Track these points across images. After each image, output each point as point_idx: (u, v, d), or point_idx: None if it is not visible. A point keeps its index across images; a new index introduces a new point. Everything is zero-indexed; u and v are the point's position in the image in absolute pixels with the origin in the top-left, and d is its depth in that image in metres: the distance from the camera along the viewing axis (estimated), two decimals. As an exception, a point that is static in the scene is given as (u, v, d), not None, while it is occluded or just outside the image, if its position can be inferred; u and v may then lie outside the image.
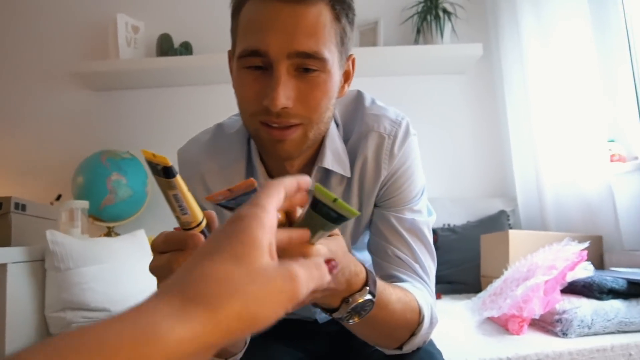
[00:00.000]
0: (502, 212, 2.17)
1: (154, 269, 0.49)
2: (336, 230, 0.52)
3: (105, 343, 0.24)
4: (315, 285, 0.35)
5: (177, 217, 0.49)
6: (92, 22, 2.46)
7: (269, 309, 0.30)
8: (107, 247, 1.59)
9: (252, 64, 0.67)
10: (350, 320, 0.59)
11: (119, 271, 1.55)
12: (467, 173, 2.44)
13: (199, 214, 0.50)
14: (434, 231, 1.46)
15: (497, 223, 2.12)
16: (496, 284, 1.48)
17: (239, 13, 0.70)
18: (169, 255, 0.48)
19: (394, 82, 2.46)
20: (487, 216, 2.17)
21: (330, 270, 0.39)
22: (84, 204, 1.90)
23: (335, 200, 0.42)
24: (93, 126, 2.43)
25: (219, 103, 2.44)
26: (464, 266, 1.96)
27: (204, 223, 0.51)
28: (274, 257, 0.33)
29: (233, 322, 0.28)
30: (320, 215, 0.44)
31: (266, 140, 0.70)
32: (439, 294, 1.85)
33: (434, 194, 2.30)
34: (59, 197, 2.09)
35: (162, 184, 0.47)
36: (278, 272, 0.31)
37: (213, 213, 0.53)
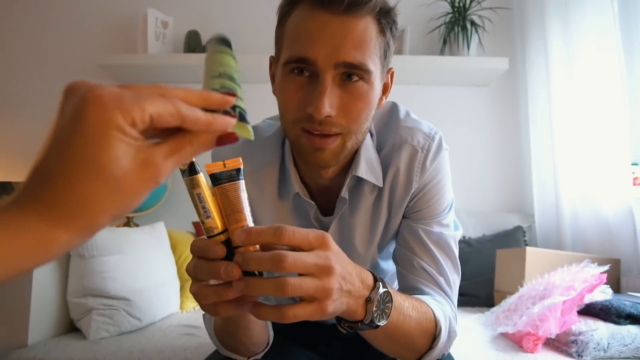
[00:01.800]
0: (518, 228, 2.17)
1: (187, 270, 0.52)
2: (333, 246, 0.53)
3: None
4: (184, 155, 0.36)
5: (202, 222, 0.50)
6: (122, 16, 2.50)
7: (135, 199, 0.33)
8: (128, 238, 1.61)
9: (298, 68, 0.68)
10: (382, 322, 0.59)
11: (138, 262, 1.57)
12: (485, 186, 2.44)
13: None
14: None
15: (513, 238, 2.11)
16: (511, 300, 1.48)
17: (286, 21, 0.72)
18: (195, 261, 0.51)
19: (417, 91, 2.46)
20: (503, 231, 2.17)
21: (223, 142, 0.39)
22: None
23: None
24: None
25: (249, 101, 2.48)
26: (477, 279, 1.95)
27: (228, 233, 0.51)
28: (131, 136, 0.32)
29: (109, 221, 0.32)
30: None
31: (306, 147, 0.72)
32: (451, 305, 1.84)
33: (451, 206, 2.30)
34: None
35: (187, 183, 0.48)
36: (134, 165, 0.32)
37: None
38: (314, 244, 0.50)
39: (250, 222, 0.50)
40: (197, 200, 0.49)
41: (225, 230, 0.51)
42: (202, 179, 0.48)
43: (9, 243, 0.29)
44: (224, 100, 0.40)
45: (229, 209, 0.49)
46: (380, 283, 0.58)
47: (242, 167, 0.48)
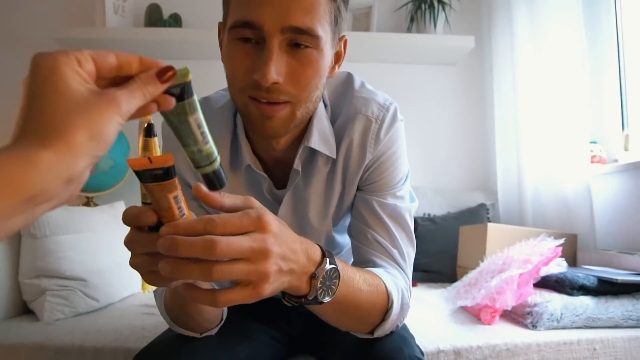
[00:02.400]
0: (482, 205, 2.20)
1: (124, 243, 0.49)
2: (255, 203, 0.51)
3: None
4: (141, 101, 0.39)
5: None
6: (79, -14, 2.38)
7: (104, 123, 0.35)
8: (85, 217, 1.56)
9: (244, 36, 0.66)
10: (326, 298, 0.59)
11: (96, 241, 1.53)
12: (450, 164, 2.46)
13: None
14: (415, 220, 1.47)
15: (477, 216, 2.14)
16: (471, 274, 1.50)
17: None
18: (130, 233, 0.48)
19: (384, 69, 2.45)
20: (467, 208, 2.20)
21: (163, 78, 0.40)
22: (63, 172, 1.86)
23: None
24: (76, 94, 2.38)
25: (207, 79, 2.40)
26: (441, 256, 1.98)
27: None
28: (80, 74, 0.37)
29: (86, 142, 0.34)
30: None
31: (254, 116, 0.69)
32: (415, 281, 1.87)
33: (417, 184, 2.32)
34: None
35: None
36: (91, 93, 0.36)
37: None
38: (250, 229, 0.47)
39: (184, 215, 0.46)
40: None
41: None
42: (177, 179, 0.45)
43: None
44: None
45: (157, 206, 0.45)
46: (328, 259, 0.57)
47: (172, 165, 0.42)
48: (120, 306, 1.51)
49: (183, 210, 0.46)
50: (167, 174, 0.42)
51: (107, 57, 0.39)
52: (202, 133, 0.45)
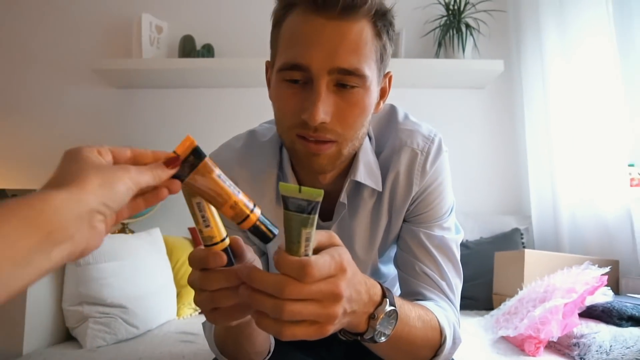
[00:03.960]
0: (515, 230, 2.16)
1: (190, 283, 0.52)
2: (337, 240, 0.51)
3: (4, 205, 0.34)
4: (150, 179, 0.43)
5: (200, 231, 0.49)
6: (116, 21, 2.49)
7: (115, 185, 0.40)
8: (124, 244, 1.60)
9: (292, 77, 0.67)
10: (382, 338, 0.59)
11: (136, 268, 1.55)
12: (482, 188, 2.44)
13: (222, 231, 0.50)
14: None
15: (511, 241, 2.10)
16: (511, 302, 1.47)
17: (281, 25, 0.71)
18: (198, 273, 0.50)
19: (413, 94, 2.46)
20: (501, 233, 2.16)
21: (171, 165, 0.45)
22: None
23: (300, 189, 0.42)
24: (113, 123, 2.46)
25: (239, 106, 2.47)
26: (475, 282, 1.94)
27: (227, 241, 0.51)
28: (100, 159, 0.43)
29: (96, 187, 0.38)
30: (295, 212, 0.43)
31: (302, 153, 0.71)
32: (451, 309, 1.84)
33: (448, 208, 2.29)
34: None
35: (185, 191, 0.47)
36: (112, 166, 0.42)
37: (239, 239, 0.54)
38: (333, 274, 0.47)
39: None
40: (196, 209, 0.48)
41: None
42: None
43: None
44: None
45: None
46: (388, 299, 0.57)
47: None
48: (158, 333, 1.53)
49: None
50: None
51: (124, 150, 0.45)
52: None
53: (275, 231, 0.50)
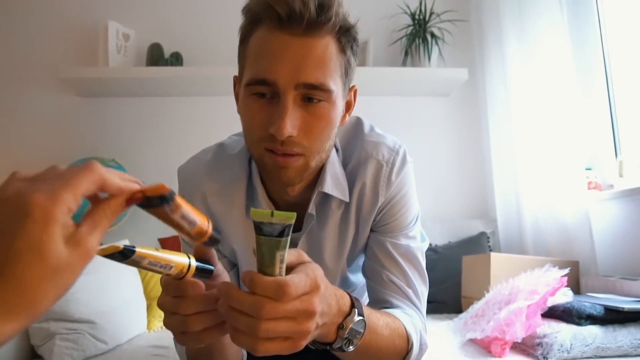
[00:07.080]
0: (482, 234, 2.22)
1: (160, 305, 0.53)
2: (306, 257, 0.53)
3: None
4: (103, 226, 0.38)
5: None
6: (83, 28, 2.44)
7: (73, 278, 0.35)
8: (91, 258, 1.56)
9: (259, 92, 0.69)
10: (350, 347, 0.60)
11: (103, 282, 1.53)
12: (449, 194, 2.49)
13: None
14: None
15: (478, 244, 2.16)
16: (478, 305, 1.51)
17: (248, 41, 0.72)
18: (171, 299, 0.51)
19: (381, 102, 2.50)
20: (468, 237, 2.22)
21: (134, 199, 0.40)
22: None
23: (272, 213, 0.43)
24: (79, 132, 2.41)
25: (209, 115, 2.46)
26: (444, 285, 1.99)
27: (210, 229, 0.48)
28: (66, 225, 0.35)
29: (51, 304, 0.34)
30: (268, 236, 0.44)
31: (270, 166, 0.72)
32: (421, 313, 1.87)
33: (418, 213, 2.34)
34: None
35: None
36: (68, 249, 0.34)
37: (212, 251, 0.56)
38: (308, 291, 0.49)
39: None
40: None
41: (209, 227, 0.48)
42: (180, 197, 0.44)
43: None
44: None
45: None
46: (357, 309, 0.59)
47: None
48: (128, 347, 1.50)
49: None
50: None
51: (93, 188, 0.38)
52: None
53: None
